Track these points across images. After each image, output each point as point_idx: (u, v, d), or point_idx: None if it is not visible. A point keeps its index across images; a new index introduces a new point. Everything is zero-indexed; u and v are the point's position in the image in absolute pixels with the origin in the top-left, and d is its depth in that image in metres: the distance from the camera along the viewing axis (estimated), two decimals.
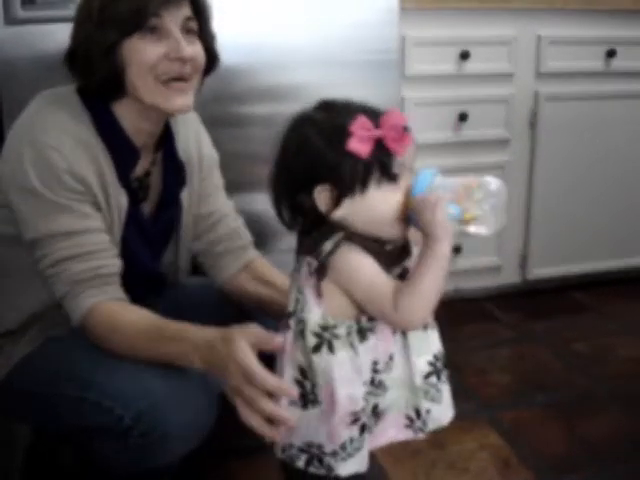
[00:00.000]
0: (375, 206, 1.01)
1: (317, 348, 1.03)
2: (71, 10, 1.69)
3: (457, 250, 2.50)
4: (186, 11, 1.25)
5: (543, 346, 2.36)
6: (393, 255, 1.05)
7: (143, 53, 1.21)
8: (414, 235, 1.05)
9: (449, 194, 0.99)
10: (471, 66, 2.37)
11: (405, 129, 0.99)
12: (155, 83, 1.23)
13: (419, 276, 0.99)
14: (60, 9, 1.72)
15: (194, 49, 1.26)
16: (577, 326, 2.53)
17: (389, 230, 1.03)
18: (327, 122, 1.02)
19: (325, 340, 1.02)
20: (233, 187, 1.62)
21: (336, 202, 1.01)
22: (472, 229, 1.00)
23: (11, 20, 1.71)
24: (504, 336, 2.46)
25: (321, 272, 1.02)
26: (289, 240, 1.13)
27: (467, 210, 0.98)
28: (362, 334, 1.03)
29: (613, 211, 2.73)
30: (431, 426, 1.11)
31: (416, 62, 2.30)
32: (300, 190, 1.03)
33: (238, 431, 1.07)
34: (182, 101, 1.27)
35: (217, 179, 1.55)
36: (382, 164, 0.99)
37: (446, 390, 1.12)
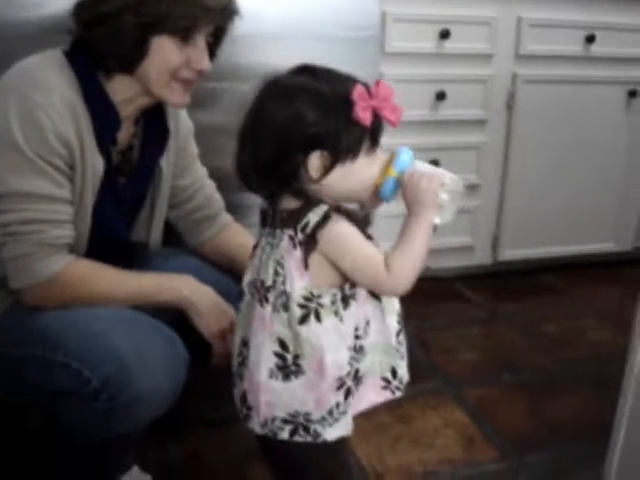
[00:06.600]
0: (361, 174, 1.06)
1: (304, 319, 1.05)
2: None
3: None
4: (212, 28, 1.32)
5: (512, 327, 2.39)
6: (363, 224, 1.09)
7: (170, 55, 1.27)
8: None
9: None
10: (451, 45, 2.36)
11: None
12: (168, 80, 1.29)
13: (409, 240, 1.05)
14: None
15: (210, 62, 1.34)
16: (546, 308, 2.57)
17: (364, 198, 1.09)
18: (325, 90, 1.02)
19: (312, 310, 1.05)
20: (208, 159, 1.62)
21: (327, 169, 1.03)
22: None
23: None
24: (473, 316, 2.49)
25: (310, 244, 1.04)
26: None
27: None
28: (346, 301, 1.07)
29: (586, 195, 2.76)
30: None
31: (396, 39, 2.29)
32: (286, 156, 1.03)
33: (208, 401, 1.08)
34: (184, 99, 1.35)
35: (193, 148, 1.59)
36: (374, 134, 1.04)
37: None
